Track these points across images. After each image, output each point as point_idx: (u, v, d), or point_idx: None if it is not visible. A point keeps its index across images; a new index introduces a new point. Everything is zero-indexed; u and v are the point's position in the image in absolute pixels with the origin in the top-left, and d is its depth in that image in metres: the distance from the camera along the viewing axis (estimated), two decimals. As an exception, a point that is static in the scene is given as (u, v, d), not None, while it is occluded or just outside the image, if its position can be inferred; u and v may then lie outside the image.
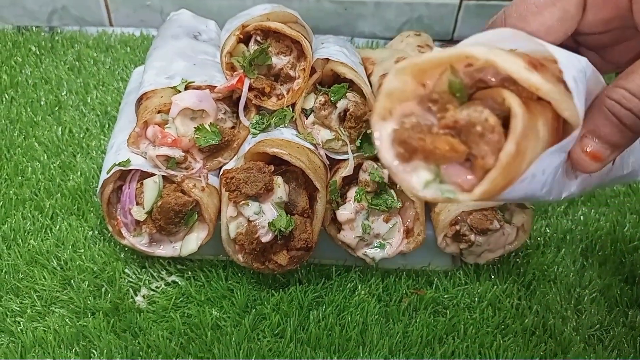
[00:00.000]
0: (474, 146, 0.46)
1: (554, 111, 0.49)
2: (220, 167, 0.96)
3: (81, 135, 1.19)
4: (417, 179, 0.48)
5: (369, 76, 1.12)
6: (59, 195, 1.06)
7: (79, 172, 1.10)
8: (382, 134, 0.49)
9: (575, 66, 0.50)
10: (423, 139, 0.47)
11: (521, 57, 0.47)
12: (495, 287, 0.97)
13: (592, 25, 0.58)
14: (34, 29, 1.47)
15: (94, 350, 0.86)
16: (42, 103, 1.25)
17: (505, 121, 0.46)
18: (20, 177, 1.09)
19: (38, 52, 1.39)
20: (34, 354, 0.85)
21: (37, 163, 1.12)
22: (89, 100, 1.26)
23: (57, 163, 1.12)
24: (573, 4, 0.56)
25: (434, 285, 0.98)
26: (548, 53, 0.49)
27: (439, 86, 0.48)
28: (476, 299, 0.96)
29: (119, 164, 0.91)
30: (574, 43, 0.62)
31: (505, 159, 0.44)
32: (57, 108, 1.25)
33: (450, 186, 0.48)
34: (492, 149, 0.45)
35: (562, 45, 0.54)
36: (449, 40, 1.56)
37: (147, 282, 0.95)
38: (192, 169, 0.94)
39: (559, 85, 0.48)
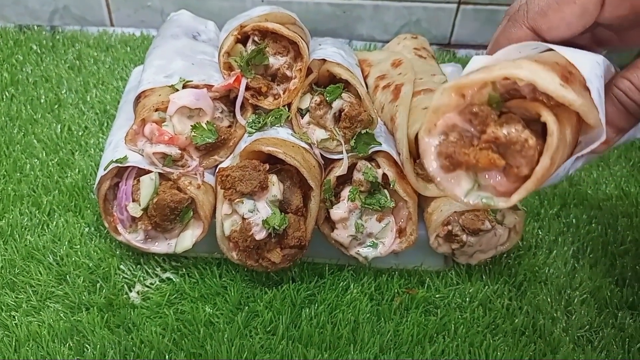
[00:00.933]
0: (511, 159, 0.52)
1: (579, 116, 0.53)
2: (217, 166, 0.97)
3: (80, 133, 1.20)
4: (459, 189, 0.54)
5: (365, 77, 1.14)
6: (57, 192, 1.07)
7: (77, 170, 1.11)
8: (428, 147, 0.54)
9: (595, 72, 0.54)
10: (467, 154, 0.53)
11: (555, 70, 0.51)
12: (487, 287, 0.98)
13: (609, 19, 0.60)
14: (36, 27, 1.49)
15: (87, 345, 0.87)
16: (42, 101, 1.27)
17: (535, 125, 0.52)
18: (18, 174, 1.10)
19: (39, 51, 1.41)
20: (27, 349, 0.86)
21: (36, 160, 1.13)
22: (88, 99, 1.28)
23: (56, 160, 1.13)
24: (592, 1, 0.59)
25: (426, 284, 0.99)
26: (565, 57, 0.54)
27: (478, 98, 0.53)
28: (467, 299, 0.97)
29: (116, 161, 0.92)
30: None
31: (541, 172, 0.50)
32: (56, 106, 1.26)
33: (488, 192, 0.54)
34: (527, 162, 0.51)
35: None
36: (447, 44, 1.57)
37: (141, 278, 0.96)
38: (189, 166, 0.95)
39: (585, 94, 0.52)
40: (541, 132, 0.52)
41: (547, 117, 0.50)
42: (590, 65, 0.55)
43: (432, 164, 0.55)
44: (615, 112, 0.58)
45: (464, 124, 0.54)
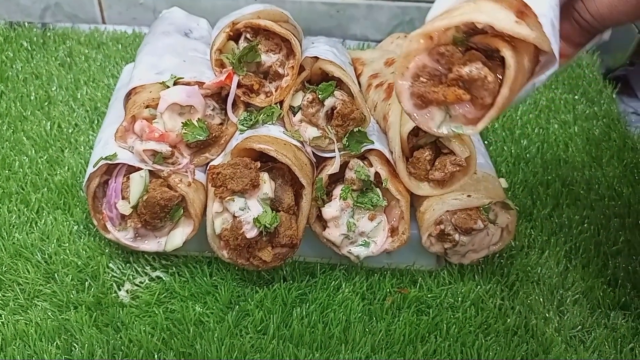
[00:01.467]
0: (475, 91, 0.61)
1: (536, 47, 0.61)
2: (208, 163, 0.96)
3: (70, 131, 1.19)
4: (432, 122, 0.64)
5: (358, 76, 1.13)
6: (46, 189, 1.06)
7: (66, 167, 1.10)
8: (403, 89, 0.63)
9: (550, 3, 0.61)
10: (436, 92, 0.61)
11: (512, 7, 0.59)
12: (479, 287, 0.98)
13: (605, 14, 0.65)
14: (27, 24, 1.48)
15: (75, 344, 0.85)
16: (32, 98, 1.25)
17: (497, 55, 0.60)
18: (7, 171, 1.09)
19: (29, 48, 1.39)
20: (14, 347, 0.84)
21: (25, 157, 1.12)
22: (78, 96, 1.27)
23: (45, 157, 1.12)
24: None
25: (418, 284, 0.98)
26: None
27: (444, 39, 0.61)
28: (459, 298, 0.96)
29: (106, 158, 0.91)
30: None
31: (501, 101, 0.59)
32: (46, 103, 1.25)
33: (457, 122, 0.63)
34: (489, 93, 0.60)
35: None
36: (440, 44, 1.57)
37: (131, 277, 0.95)
38: (179, 164, 0.94)
39: (540, 28, 0.59)
40: (502, 62, 0.60)
41: (506, 52, 0.58)
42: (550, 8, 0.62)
43: (406, 104, 0.64)
44: (572, 30, 0.65)
45: (433, 64, 0.62)
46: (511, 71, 0.58)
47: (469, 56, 0.60)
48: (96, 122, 1.21)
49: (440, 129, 0.63)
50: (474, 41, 0.61)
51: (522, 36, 0.57)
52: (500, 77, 0.60)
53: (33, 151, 1.13)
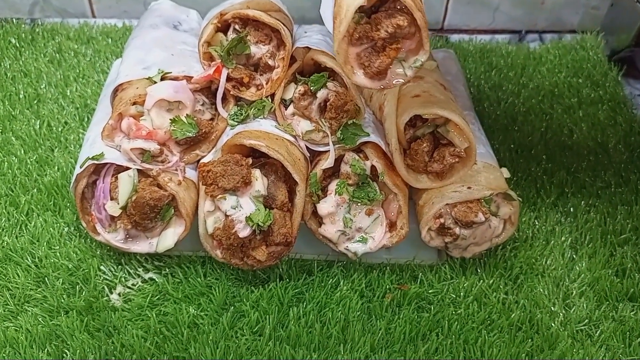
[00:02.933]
0: (403, 35, 0.78)
1: None
2: (198, 160, 0.94)
3: (59, 129, 1.16)
4: (399, 75, 0.81)
5: (353, 66, 1.09)
6: (35, 190, 1.03)
7: (56, 167, 1.08)
8: (361, 80, 0.81)
9: None
10: (382, 61, 0.79)
11: None
12: (482, 281, 0.95)
13: None
14: (15, 21, 1.44)
15: (66, 350, 0.83)
16: (21, 96, 1.23)
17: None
18: (-5, 173, 1.06)
19: (18, 45, 1.36)
20: (4, 355, 0.82)
21: (14, 158, 1.09)
22: (68, 93, 1.24)
23: (34, 158, 1.09)
24: None
25: (419, 280, 0.95)
26: None
27: (352, 27, 0.78)
28: (461, 293, 0.93)
29: (92, 158, 0.88)
30: None
31: (419, 19, 0.76)
32: (35, 101, 1.22)
33: (411, 58, 0.80)
34: (411, 26, 0.77)
35: None
36: (439, 29, 1.53)
37: (123, 279, 0.93)
38: (169, 162, 0.91)
39: None
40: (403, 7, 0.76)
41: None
42: None
43: (375, 84, 0.80)
44: None
45: (362, 48, 0.79)
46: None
47: (375, 21, 0.76)
48: (86, 119, 1.18)
49: (408, 72, 0.79)
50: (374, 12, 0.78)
51: None
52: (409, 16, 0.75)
53: (22, 151, 1.11)
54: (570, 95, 1.30)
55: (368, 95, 1.01)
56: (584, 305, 0.93)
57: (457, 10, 1.49)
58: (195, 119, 0.91)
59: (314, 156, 0.94)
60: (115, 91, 0.96)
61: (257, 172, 0.87)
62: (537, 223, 1.04)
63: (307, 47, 0.94)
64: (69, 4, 1.48)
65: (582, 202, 1.07)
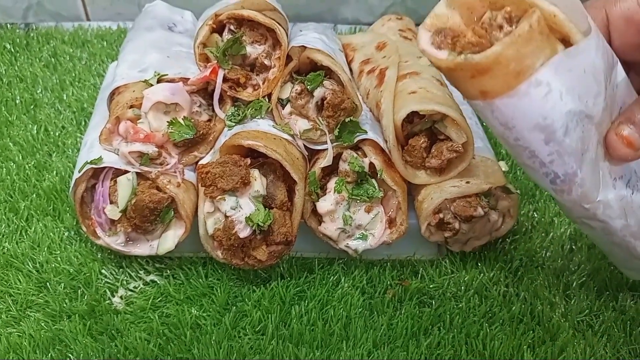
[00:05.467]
0: (495, 40, 0.53)
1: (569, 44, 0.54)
2: (197, 162, 0.94)
3: (57, 134, 1.16)
4: (442, 53, 0.56)
5: (349, 62, 1.10)
6: (34, 195, 1.03)
7: (55, 172, 1.07)
8: (424, 34, 0.58)
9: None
10: (454, 29, 0.56)
11: None
12: (482, 275, 0.95)
13: (621, 48, 0.60)
14: (9, 26, 1.44)
15: (70, 354, 0.83)
16: (17, 102, 1.23)
17: None
18: (-6, 179, 1.06)
19: (13, 50, 1.36)
20: (8, 360, 0.83)
21: (12, 163, 1.09)
22: (64, 98, 1.24)
23: (33, 163, 1.09)
24: (599, 26, 0.58)
25: (420, 275, 0.95)
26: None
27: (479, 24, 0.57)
28: (462, 287, 0.94)
29: (91, 162, 0.88)
30: None
31: (518, 31, 0.50)
32: (32, 106, 1.22)
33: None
34: (504, 34, 0.53)
35: None
36: (434, 24, 1.52)
37: (124, 282, 0.93)
38: (167, 164, 0.91)
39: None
40: None
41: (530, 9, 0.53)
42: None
43: (423, 42, 0.57)
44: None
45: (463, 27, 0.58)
46: (536, 14, 0.52)
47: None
48: (83, 123, 1.18)
49: (448, 58, 0.56)
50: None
51: (552, 11, 0.53)
52: None
53: (20, 157, 1.10)
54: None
55: (365, 92, 1.01)
56: (585, 295, 0.93)
57: (451, 5, 1.49)
58: (192, 120, 0.91)
59: (312, 155, 0.95)
60: (112, 95, 0.96)
61: (255, 172, 0.87)
62: (536, 215, 1.05)
63: (303, 46, 0.94)
64: (62, 7, 1.48)
65: (581, 194, 1.08)
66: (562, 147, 0.55)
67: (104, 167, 0.89)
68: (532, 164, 0.57)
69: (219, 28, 0.95)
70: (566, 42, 0.54)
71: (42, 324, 0.87)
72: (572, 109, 0.53)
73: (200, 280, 0.93)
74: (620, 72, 0.58)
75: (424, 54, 0.58)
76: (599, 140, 0.57)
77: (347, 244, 0.92)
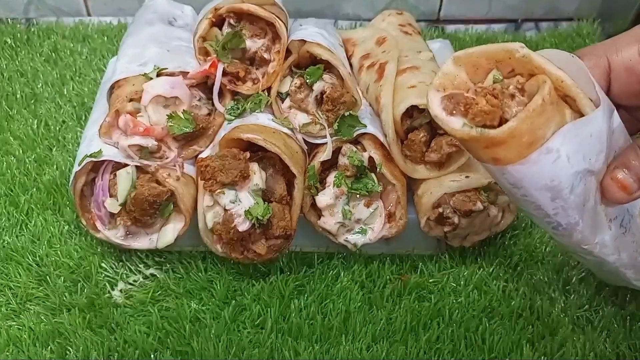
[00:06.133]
0: (506, 109, 0.54)
1: (578, 111, 0.55)
2: (196, 156, 0.94)
3: (57, 128, 1.16)
4: (456, 121, 0.56)
5: (349, 57, 1.09)
6: (35, 189, 1.04)
7: (55, 166, 1.08)
8: (434, 98, 0.58)
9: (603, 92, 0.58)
10: (465, 96, 0.56)
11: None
12: (482, 269, 0.95)
13: (620, 96, 0.61)
14: (10, 21, 1.44)
15: (69, 348, 0.84)
16: (18, 96, 1.23)
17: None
18: (-6, 173, 1.07)
19: (13, 45, 1.36)
20: (8, 353, 0.83)
21: (12, 158, 1.09)
22: (65, 92, 1.24)
23: (33, 157, 1.10)
24: (597, 75, 0.60)
25: (419, 269, 0.95)
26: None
27: (485, 83, 0.58)
28: (462, 282, 0.94)
29: (90, 155, 0.88)
30: None
31: (532, 106, 0.51)
32: (32, 101, 1.22)
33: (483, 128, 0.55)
34: (518, 104, 0.54)
35: None
36: (435, 20, 1.52)
37: (124, 275, 0.93)
38: (167, 158, 0.91)
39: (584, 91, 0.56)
40: None
41: (542, 76, 0.53)
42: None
43: (434, 105, 0.58)
44: (637, 159, 0.60)
45: (470, 92, 0.58)
46: (547, 85, 0.53)
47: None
48: (83, 118, 1.18)
49: (462, 129, 0.56)
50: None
51: (558, 77, 0.53)
52: None
53: (20, 151, 1.11)
54: (567, 82, 1.30)
55: (364, 86, 1.01)
56: (584, 291, 0.93)
57: (453, 0, 1.49)
58: (192, 114, 0.91)
59: (311, 149, 0.95)
60: (112, 88, 0.96)
61: (255, 166, 0.87)
62: (536, 211, 1.05)
63: (303, 39, 0.94)
64: (63, 2, 1.48)
65: (581, 189, 1.07)
66: (567, 203, 0.57)
67: (104, 161, 0.89)
68: (537, 214, 0.60)
69: (218, 22, 0.95)
70: (571, 102, 0.56)
71: (42, 317, 0.87)
72: (578, 170, 0.56)
73: (200, 274, 0.93)
74: (616, 118, 0.59)
75: (436, 120, 0.58)
76: (597, 187, 0.60)
77: (347, 238, 0.92)
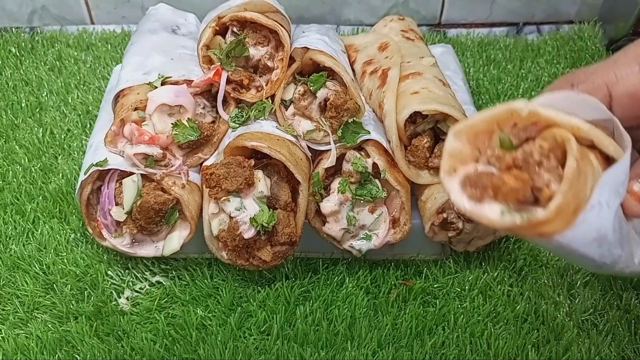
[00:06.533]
0: (535, 177, 0.49)
1: (601, 151, 0.52)
2: (201, 163, 0.94)
3: (62, 137, 1.17)
4: (492, 211, 0.50)
5: (352, 63, 1.10)
6: (41, 198, 1.04)
7: (60, 174, 1.08)
8: (452, 185, 0.52)
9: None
10: (490, 177, 0.50)
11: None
12: (486, 274, 0.95)
13: (623, 120, 0.58)
14: (14, 30, 1.45)
15: (76, 356, 0.84)
16: (23, 105, 1.23)
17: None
18: (1, 182, 1.07)
19: (18, 54, 1.37)
20: (16, 361, 0.84)
21: (18, 166, 1.10)
22: (70, 101, 1.24)
23: (39, 166, 1.10)
24: (600, 99, 0.57)
25: (424, 275, 0.96)
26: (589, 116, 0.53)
27: (492, 147, 0.52)
28: (466, 287, 0.94)
29: (96, 164, 0.89)
30: None
31: (569, 172, 0.47)
32: (37, 109, 1.23)
33: (527, 212, 0.50)
34: (553, 176, 0.49)
35: None
36: (437, 24, 1.53)
37: (130, 283, 0.94)
38: (172, 166, 0.92)
39: (599, 128, 0.52)
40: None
41: (560, 131, 0.49)
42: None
43: (458, 198, 0.51)
44: None
45: (485, 167, 0.52)
46: (572, 143, 0.48)
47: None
48: (88, 126, 1.19)
49: (504, 218, 0.50)
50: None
51: (573, 126, 0.50)
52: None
53: (26, 159, 1.11)
54: (570, 86, 1.30)
55: (368, 92, 1.01)
56: (589, 295, 0.93)
57: (454, 5, 1.49)
58: (196, 122, 0.92)
59: (315, 155, 0.95)
60: (117, 97, 0.96)
61: (259, 173, 0.88)
62: (539, 215, 1.05)
63: (306, 47, 0.94)
64: (67, 11, 1.48)
65: (584, 193, 1.08)
66: (611, 244, 0.54)
67: (110, 169, 0.90)
68: (581, 263, 0.57)
69: (222, 30, 0.95)
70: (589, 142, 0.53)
71: (49, 326, 0.88)
72: (616, 209, 0.53)
73: (206, 281, 0.94)
74: None
75: (468, 215, 0.51)
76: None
77: (351, 244, 0.93)
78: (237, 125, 0.94)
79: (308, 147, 0.94)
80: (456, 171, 0.53)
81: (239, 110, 0.95)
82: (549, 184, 0.49)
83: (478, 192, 0.50)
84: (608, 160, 0.53)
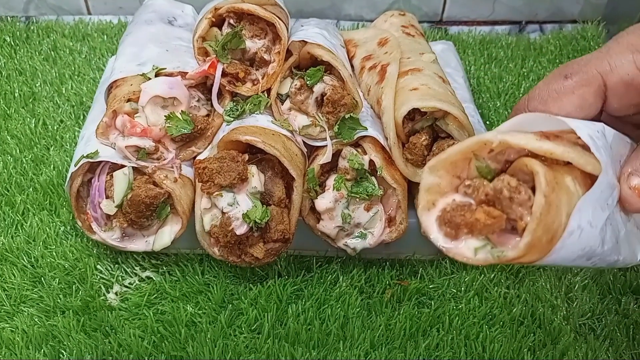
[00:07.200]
0: (509, 211, 0.50)
1: (580, 169, 0.52)
2: (195, 157, 0.92)
3: (55, 128, 1.15)
4: (467, 248, 0.52)
5: (351, 59, 1.08)
6: (31, 189, 1.03)
7: (52, 166, 1.07)
8: (429, 222, 0.54)
9: (589, 127, 0.54)
10: (463, 215, 0.52)
11: (533, 133, 0.52)
12: (483, 275, 0.94)
13: (619, 109, 0.58)
14: (9, 19, 1.43)
15: (63, 351, 0.83)
16: (16, 95, 1.22)
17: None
18: (-9, 172, 1.06)
19: (12, 43, 1.35)
20: (0, 356, 0.82)
21: (9, 157, 1.08)
22: (63, 91, 1.23)
23: (30, 157, 1.08)
24: (591, 93, 0.57)
25: (419, 275, 0.94)
26: (567, 127, 0.53)
27: (471, 174, 0.54)
28: (462, 288, 0.92)
29: (87, 156, 0.87)
30: (607, 117, 0.62)
31: (537, 209, 0.48)
32: (31, 100, 1.21)
33: (500, 248, 0.51)
34: (526, 209, 0.50)
35: (595, 118, 0.58)
36: (438, 21, 1.51)
37: (120, 278, 0.92)
38: (164, 159, 0.90)
39: (577, 147, 0.52)
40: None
41: (529, 161, 0.50)
42: (583, 123, 0.54)
43: (436, 235, 0.54)
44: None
45: (462, 198, 0.54)
46: (540, 176, 0.48)
47: (496, 178, 0.53)
48: (82, 117, 1.17)
49: (478, 256, 0.52)
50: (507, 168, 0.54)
51: (545, 151, 0.50)
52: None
53: (17, 150, 1.10)
54: (572, 86, 1.29)
55: (366, 88, 0.99)
56: (587, 298, 0.92)
57: (456, 2, 1.48)
58: (190, 115, 0.90)
59: (311, 151, 0.93)
60: (110, 88, 0.95)
61: (253, 169, 0.86)
62: (538, 216, 1.03)
63: (304, 40, 0.92)
64: (64, 1, 1.47)
65: (584, 194, 1.06)
66: (602, 254, 0.55)
67: (101, 161, 0.88)
68: (575, 267, 0.59)
69: (218, 22, 0.93)
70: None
71: (36, 320, 0.86)
72: (601, 225, 0.53)
73: (197, 277, 0.92)
74: (609, 132, 0.56)
75: (446, 253, 0.53)
76: (620, 209, 0.57)
77: (346, 242, 0.91)
78: (232, 119, 0.92)
79: (304, 142, 0.92)
80: (435, 205, 0.55)
81: (234, 103, 0.93)
82: (522, 216, 0.50)
83: (453, 231, 0.52)
84: (591, 176, 0.52)
